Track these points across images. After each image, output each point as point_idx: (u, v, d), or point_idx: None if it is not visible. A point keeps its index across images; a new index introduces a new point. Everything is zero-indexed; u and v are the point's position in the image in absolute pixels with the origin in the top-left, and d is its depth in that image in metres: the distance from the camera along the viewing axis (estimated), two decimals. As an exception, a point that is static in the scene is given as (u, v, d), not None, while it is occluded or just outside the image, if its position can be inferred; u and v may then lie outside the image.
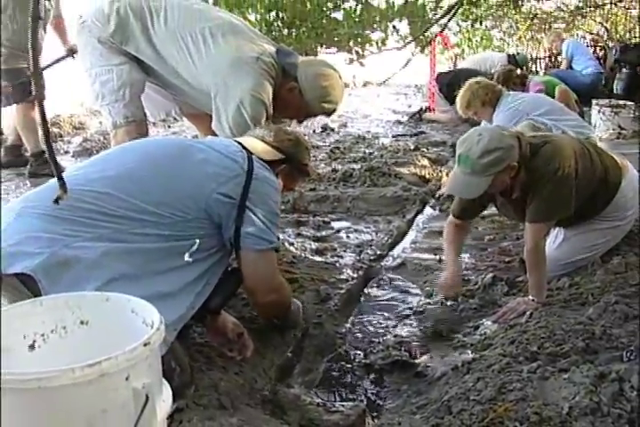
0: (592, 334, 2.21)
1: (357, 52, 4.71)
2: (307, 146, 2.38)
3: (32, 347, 1.36)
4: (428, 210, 4.36)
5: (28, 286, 1.71)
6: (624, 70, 1.95)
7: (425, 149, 5.85)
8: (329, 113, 2.86)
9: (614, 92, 2.08)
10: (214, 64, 2.69)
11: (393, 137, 6.65)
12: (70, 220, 1.82)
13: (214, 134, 2.78)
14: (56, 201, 1.08)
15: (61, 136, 6.06)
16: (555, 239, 2.93)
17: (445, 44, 8.08)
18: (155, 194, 1.92)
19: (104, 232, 1.83)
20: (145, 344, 1.19)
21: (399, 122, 7.69)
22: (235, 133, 2.61)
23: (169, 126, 6.65)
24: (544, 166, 2.51)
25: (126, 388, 1.16)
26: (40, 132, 4.84)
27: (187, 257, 1.92)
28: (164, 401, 1.28)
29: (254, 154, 2.16)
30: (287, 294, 2.30)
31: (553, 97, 5.35)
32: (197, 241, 1.95)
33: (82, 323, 1.41)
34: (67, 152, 5.48)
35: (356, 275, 3.16)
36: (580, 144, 2.76)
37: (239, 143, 2.20)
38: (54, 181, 2.06)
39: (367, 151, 5.66)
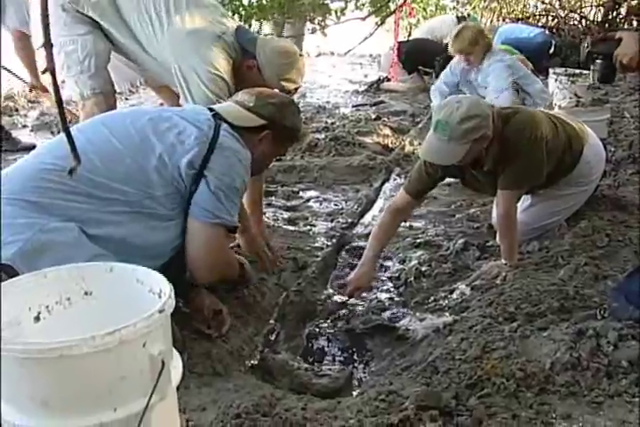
0: (566, 295, 2.31)
1: (319, 22, 4.68)
2: (294, 109, 2.27)
3: (37, 319, 1.35)
4: (393, 178, 4.42)
5: (10, 275, 1.69)
6: (597, 61, 2.03)
7: (386, 119, 5.88)
8: (289, 91, 2.71)
9: (593, 81, 2.17)
10: (175, 39, 2.64)
11: (353, 107, 6.64)
12: (40, 202, 1.78)
13: (177, 105, 2.76)
14: (70, 172, 1.07)
15: (17, 110, 5.87)
16: (522, 205, 3.02)
17: (410, 13, 8.05)
18: (120, 171, 1.87)
19: (75, 213, 1.80)
20: (160, 311, 1.20)
21: (357, 92, 7.69)
22: None
23: (126, 99, 6.51)
24: (517, 134, 2.56)
25: (143, 354, 1.17)
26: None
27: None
28: (175, 368, 1.30)
29: (229, 121, 2.08)
30: (230, 274, 2.25)
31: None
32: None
33: (86, 294, 1.40)
34: (25, 126, 5.32)
35: (330, 243, 3.21)
36: (544, 114, 2.83)
37: (214, 111, 2.13)
38: (20, 161, 2.01)
39: (329, 121, 5.66)
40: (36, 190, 1.79)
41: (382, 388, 1.80)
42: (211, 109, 2.16)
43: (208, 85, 2.57)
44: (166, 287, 1.30)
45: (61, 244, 1.73)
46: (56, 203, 1.79)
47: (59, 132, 5.13)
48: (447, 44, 5.04)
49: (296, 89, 2.74)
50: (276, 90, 2.61)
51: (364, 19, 4.58)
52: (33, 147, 4.48)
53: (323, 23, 4.70)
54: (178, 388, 1.78)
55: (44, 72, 1.00)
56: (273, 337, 2.39)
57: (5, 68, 4.29)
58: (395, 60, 6.96)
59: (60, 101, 1.05)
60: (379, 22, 4.61)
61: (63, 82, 2.96)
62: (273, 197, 3.83)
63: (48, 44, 1.03)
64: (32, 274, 1.35)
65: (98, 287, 1.41)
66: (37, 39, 4.24)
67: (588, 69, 2.42)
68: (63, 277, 1.39)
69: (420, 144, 4.93)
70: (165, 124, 2.00)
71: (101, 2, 2.72)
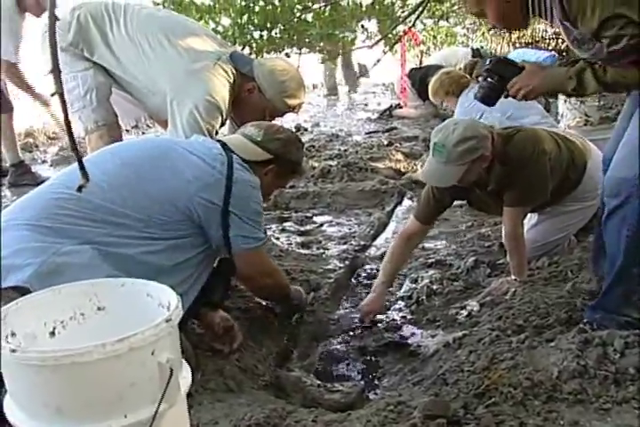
0: (574, 306, 2.34)
1: (329, 52, 4.79)
2: (299, 145, 2.36)
3: (53, 334, 1.42)
4: (406, 202, 4.48)
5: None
6: (489, 80, 2.02)
7: (398, 144, 5.97)
8: (294, 108, 2.80)
9: (477, 98, 2.15)
10: (170, 67, 2.69)
11: (366, 134, 6.77)
12: (55, 228, 1.86)
13: None
14: (79, 189, 1.14)
15: (37, 146, 6.07)
16: (529, 223, 3.05)
17: (415, 41, 8.22)
18: (133, 199, 1.96)
19: (89, 236, 1.88)
20: (167, 320, 1.26)
21: (370, 119, 7.82)
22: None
23: (143, 133, 6.68)
24: (520, 152, 2.61)
25: (152, 362, 1.23)
26: (15, 144, 4.86)
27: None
28: (184, 378, 1.35)
29: (238, 155, 2.17)
30: (280, 278, 2.41)
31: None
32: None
33: (99, 309, 1.47)
34: (44, 161, 5.49)
35: (342, 265, 3.26)
36: (546, 131, 2.88)
37: (224, 144, 2.21)
38: (35, 190, 2.11)
39: (342, 148, 5.77)
40: (52, 217, 1.88)
41: (391, 399, 1.83)
42: (219, 141, 2.25)
43: (203, 115, 2.61)
44: (174, 300, 1.36)
45: (76, 265, 1.80)
46: (71, 228, 1.87)
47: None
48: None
49: (300, 105, 2.78)
50: (280, 107, 2.69)
51: (371, 47, 4.69)
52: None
53: (333, 52, 4.81)
54: (191, 405, 1.85)
55: (52, 95, 1.08)
56: (286, 356, 2.43)
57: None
58: (404, 86, 7.07)
59: (68, 123, 1.13)
60: (386, 50, 4.71)
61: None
62: (287, 223, 3.91)
63: (56, 69, 1.11)
64: (47, 290, 1.42)
65: (110, 302, 1.47)
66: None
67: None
68: (77, 293, 1.46)
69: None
70: (178, 159, 2.08)
71: (97, 43, 2.79)
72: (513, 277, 2.71)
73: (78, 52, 2.81)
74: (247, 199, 2.10)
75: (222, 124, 2.76)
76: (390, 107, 7.96)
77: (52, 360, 1.15)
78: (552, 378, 1.87)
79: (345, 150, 5.63)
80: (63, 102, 1.12)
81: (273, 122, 2.64)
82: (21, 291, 1.75)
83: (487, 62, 2.25)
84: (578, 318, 2.27)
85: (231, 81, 2.68)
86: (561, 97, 5.68)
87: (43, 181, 4.52)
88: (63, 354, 1.14)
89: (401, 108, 7.87)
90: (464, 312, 2.65)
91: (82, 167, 1.16)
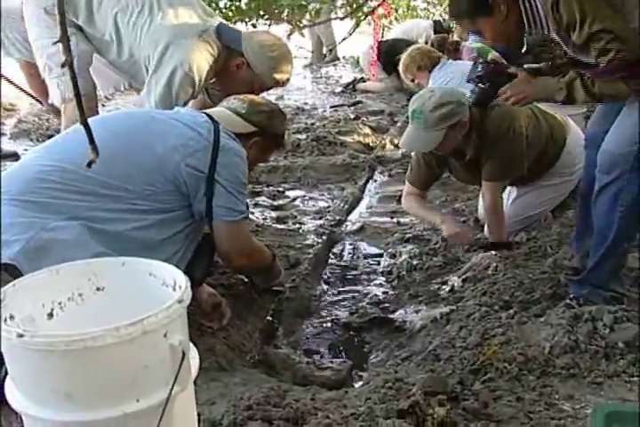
0: (557, 282, 2.37)
1: (297, 24, 4.69)
2: (282, 117, 2.34)
3: (51, 315, 1.35)
4: (377, 176, 4.46)
5: (13, 274, 1.69)
6: (480, 86, 2.06)
7: (365, 118, 5.93)
8: (282, 83, 2.77)
9: (471, 102, 2.23)
10: (156, 35, 2.61)
11: (331, 107, 6.68)
12: (41, 202, 1.79)
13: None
14: (89, 164, 1.08)
15: (-7, 118, 5.81)
16: (508, 197, 3.07)
17: (388, 13, 8.10)
18: (120, 169, 1.89)
19: (77, 211, 1.81)
20: (179, 302, 1.22)
21: (334, 93, 7.74)
22: (158, 107, 2.55)
23: (103, 105, 6.45)
24: (496, 127, 2.63)
25: (164, 344, 1.18)
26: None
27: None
28: (193, 358, 1.31)
29: (224, 126, 2.12)
30: (260, 259, 2.33)
31: (486, 63, 5.53)
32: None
33: (98, 289, 1.41)
34: (3, 134, 5.26)
35: (320, 240, 3.23)
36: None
37: (208, 115, 2.16)
38: (19, 163, 2.02)
39: (309, 122, 5.69)
40: (37, 190, 1.79)
41: (388, 376, 1.83)
42: (204, 113, 2.19)
43: (176, 86, 2.54)
44: (182, 279, 1.32)
45: (63, 242, 1.73)
46: (58, 202, 1.79)
47: (38, 139, 5.11)
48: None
49: (288, 79, 2.75)
50: (268, 82, 2.66)
51: (342, 18, 4.61)
52: (14, 154, 4.45)
53: (300, 24, 4.71)
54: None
55: (62, 66, 1.01)
56: (272, 333, 2.41)
57: (8, 80, 4.31)
58: (374, 59, 6.99)
59: (78, 93, 1.06)
60: (357, 22, 4.63)
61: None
62: (259, 198, 3.85)
63: (65, 39, 1.04)
64: (44, 271, 1.35)
65: (110, 282, 1.41)
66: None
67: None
68: (75, 273, 1.39)
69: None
70: (164, 127, 2.03)
71: (82, 6, 2.69)
72: (493, 251, 2.73)
73: None
74: (233, 168, 2.05)
75: (193, 98, 2.69)
76: (354, 80, 7.88)
77: (63, 345, 1.09)
78: (544, 353, 1.90)
79: (312, 124, 5.56)
80: (73, 73, 1.05)
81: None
82: (6, 267, 1.68)
83: (479, 69, 2.28)
84: (562, 293, 2.30)
85: (215, 55, 2.61)
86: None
87: (5, 155, 4.40)
88: (74, 339, 1.09)
89: (364, 81, 7.81)
90: (446, 287, 2.67)
91: (92, 142, 1.11)
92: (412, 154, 3.04)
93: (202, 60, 2.57)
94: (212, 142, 2.02)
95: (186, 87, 2.57)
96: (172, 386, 1.20)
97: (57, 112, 4.42)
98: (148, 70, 2.62)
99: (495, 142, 2.64)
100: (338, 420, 1.56)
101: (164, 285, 1.37)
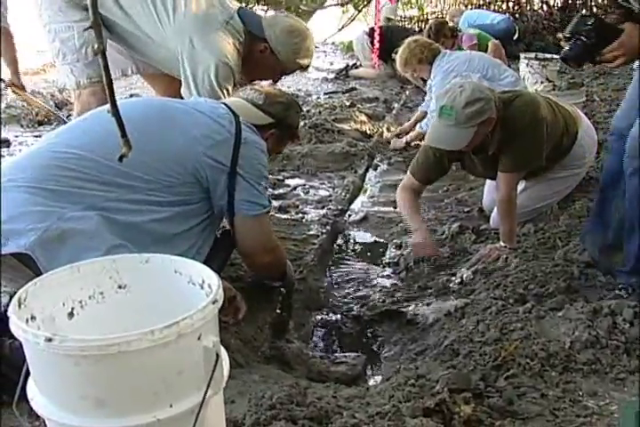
0: (571, 275, 2.34)
1: (296, 10, 4.61)
2: (298, 109, 2.30)
3: (71, 315, 1.30)
4: (376, 164, 4.41)
5: (26, 264, 1.64)
6: (584, 40, 1.95)
7: (360, 105, 5.86)
8: (305, 68, 2.78)
9: (563, 57, 2.08)
10: (183, 26, 2.54)
11: (325, 94, 6.61)
12: (58, 191, 1.72)
13: (172, 96, 2.67)
14: (120, 159, 1.02)
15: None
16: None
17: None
18: (140, 159, 1.81)
19: (95, 201, 1.74)
20: (213, 302, 1.17)
21: (327, 79, 7.65)
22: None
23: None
24: (520, 117, 2.57)
25: (198, 347, 1.14)
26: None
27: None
28: (224, 359, 1.27)
29: (242, 117, 2.07)
30: (282, 255, 2.28)
31: (485, 51, 5.48)
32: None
33: (120, 287, 1.35)
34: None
35: (324, 230, 3.18)
36: (542, 97, 2.85)
37: (227, 106, 2.10)
38: (31, 149, 1.95)
39: (305, 109, 5.61)
40: (55, 178, 1.73)
41: (409, 373, 1.80)
42: (222, 103, 2.14)
43: (216, 76, 2.51)
44: (212, 277, 1.27)
45: (81, 233, 1.67)
46: (76, 191, 1.73)
47: (28, 126, 5.00)
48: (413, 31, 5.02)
49: (309, 64, 2.74)
50: (292, 67, 2.66)
51: (343, 4, 4.53)
52: (6, 141, 4.34)
53: (299, 10, 4.62)
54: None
55: (95, 54, 0.95)
56: (281, 326, 2.36)
57: None
58: (377, 45, 6.90)
59: (110, 84, 1.00)
60: (359, 9, 4.55)
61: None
62: (259, 186, 3.78)
63: (97, 25, 0.98)
64: (65, 268, 1.29)
65: (133, 280, 1.36)
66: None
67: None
68: (96, 271, 1.33)
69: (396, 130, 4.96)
70: (185, 117, 1.98)
71: None
72: (502, 243, 2.70)
73: (77, 0, 2.59)
74: (255, 161, 2.00)
75: (235, 85, 2.64)
76: (347, 66, 7.81)
77: (96, 350, 1.04)
78: (565, 348, 1.87)
79: (308, 111, 5.48)
80: (105, 60, 0.99)
81: (261, 84, 2.53)
82: (20, 257, 1.63)
83: (588, 22, 2.04)
84: (577, 286, 2.28)
85: (242, 41, 2.58)
86: (523, 60, 5.69)
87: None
88: (108, 343, 1.04)
89: (357, 68, 7.74)
90: (455, 279, 2.63)
91: (124, 135, 1.04)
92: (421, 144, 2.98)
93: (231, 48, 2.54)
94: (234, 135, 1.97)
95: (226, 75, 2.54)
96: (207, 390, 1.15)
97: (21, 88, 4.33)
98: (181, 64, 2.55)
99: (519, 132, 2.58)
100: (364, 419, 1.53)
101: (191, 282, 1.33)
